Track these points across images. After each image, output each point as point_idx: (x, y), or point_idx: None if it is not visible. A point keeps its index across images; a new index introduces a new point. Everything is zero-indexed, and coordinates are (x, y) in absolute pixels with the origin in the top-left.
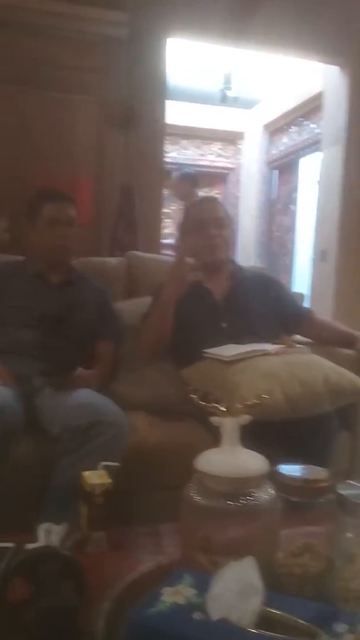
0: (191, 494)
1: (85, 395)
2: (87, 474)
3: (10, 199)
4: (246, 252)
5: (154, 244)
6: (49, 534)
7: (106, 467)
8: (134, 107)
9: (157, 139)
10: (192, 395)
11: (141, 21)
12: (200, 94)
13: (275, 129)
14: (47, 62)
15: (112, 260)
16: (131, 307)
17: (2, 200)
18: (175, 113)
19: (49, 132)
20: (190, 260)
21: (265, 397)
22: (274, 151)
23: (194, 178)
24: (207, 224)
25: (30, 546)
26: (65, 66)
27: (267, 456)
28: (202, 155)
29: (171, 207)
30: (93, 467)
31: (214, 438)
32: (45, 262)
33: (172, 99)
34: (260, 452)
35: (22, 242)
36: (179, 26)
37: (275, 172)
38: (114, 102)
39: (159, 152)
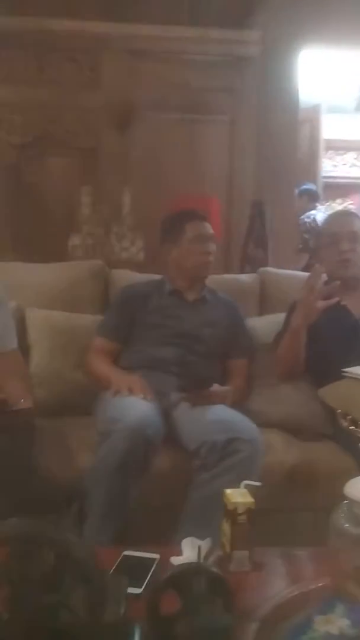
0: (341, 522)
1: (222, 412)
2: (229, 492)
3: (145, 220)
4: None
5: (285, 260)
6: (192, 549)
7: (248, 486)
8: (264, 124)
9: (289, 152)
10: (341, 420)
11: (273, 37)
12: (332, 104)
13: None
14: (181, 85)
15: (244, 277)
16: (264, 324)
17: (137, 222)
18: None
19: (182, 153)
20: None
21: None
22: None
23: (312, 193)
24: (340, 238)
25: (175, 559)
26: (198, 88)
27: None
28: (334, 166)
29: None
30: (230, 484)
31: (357, 462)
32: (183, 280)
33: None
34: None
35: (160, 261)
36: (311, 37)
37: None
38: (245, 121)
39: (290, 167)
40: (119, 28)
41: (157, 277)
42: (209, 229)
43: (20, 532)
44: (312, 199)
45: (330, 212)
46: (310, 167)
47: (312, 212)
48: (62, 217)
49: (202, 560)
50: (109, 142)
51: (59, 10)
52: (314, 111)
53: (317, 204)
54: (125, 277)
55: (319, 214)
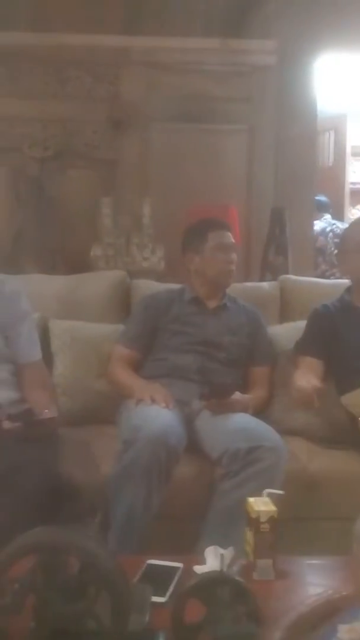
0: None
1: (245, 420)
2: (252, 500)
3: (165, 229)
4: None
5: (304, 267)
6: (215, 558)
7: (270, 495)
8: (282, 132)
9: (308, 160)
10: None
11: (289, 45)
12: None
13: None
14: (198, 96)
15: (265, 285)
16: (285, 331)
17: (158, 231)
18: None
19: (201, 163)
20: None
21: None
22: None
23: (322, 204)
24: None
25: (198, 568)
26: (216, 98)
27: None
28: (354, 172)
29: None
30: (253, 492)
31: None
32: (205, 288)
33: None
34: None
35: (181, 270)
36: (329, 43)
37: None
38: (264, 129)
39: (308, 174)
40: (137, 41)
41: (177, 286)
42: (230, 238)
43: (46, 541)
44: (321, 209)
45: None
46: (336, 175)
47: (316, 221)
48: (84, 228)
49: (225, 569)
50: (128, 154)
51: (78, 26)
52: (339, 118)
53: (326, 214)
54: (146, 286)
55: (320, 223)
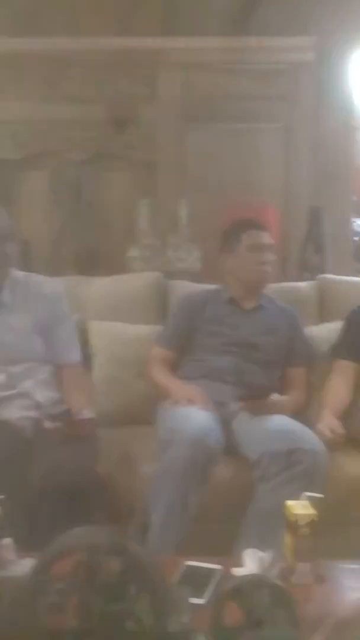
0: None
1: (283, 422)
2: (291, 503)
3: (201, 230)
4: None
5: (342, 266)
6: (254, 561)
7: (310, 498)
8: (319, 130)
9: (345, 157)
10: None
11: (326, 42)
12: None
13: None
14: (235, 95)
15: (302, 285)
16: (323, 332)
17: (194, 232)
18: None
19: (237, 162)
20: None
21: None
22: None
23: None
24: None
25: (237, 571)
26: (252, 97)
27: None
28: None
29: None
30: (292, 495)
31: None
32: (241, 289)
33: None
34: None
35: (217, 271)
36: None
37: None
38: (300, 127)
39: (345, 172)
40: (173, 42)
41: (214, 286)
42: (266, 238)
43: (89, 541)
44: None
45: None
46: None
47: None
48: (120, 230)
49: (262, 572)
50: (165, 155)
51: (115, 29)
52: None
53: None
54: (183, 287)
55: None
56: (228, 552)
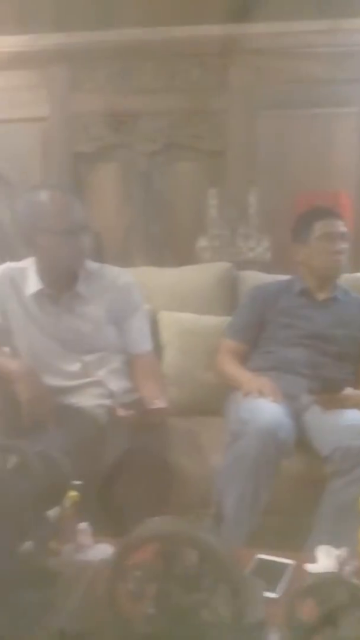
0: None
1: (357, 417)
2: None
3: (271, 219)
4: None
5: None
6: (328, 557)
7: None
8: None
9: None
10: None
11: None
12: None
13: None
14: (306, 80)
15: None
16: None
17: (264, 221)
18: None
19: (307, 149)
20: None
21: None
22: None
23: None
24: None
25: (311, 567)
26: (325, 81)
27: None
28: None
29: None
30: None
31: None
32: (314, 280)
33: None
34: None
35: (287, 261)
36: None
37: None
38: None
39: None
40: (244, 29)
41: (285, 277)
42: (340, 226)
43: (168, 531)
44: None
45: None
46: None
47: None
48: (190, 220)
49: (336, 569)
50: (235, 144)
51: (185, 18)
52: None
53: None
54: (253, 277)
55: None
56: (298, 546)
